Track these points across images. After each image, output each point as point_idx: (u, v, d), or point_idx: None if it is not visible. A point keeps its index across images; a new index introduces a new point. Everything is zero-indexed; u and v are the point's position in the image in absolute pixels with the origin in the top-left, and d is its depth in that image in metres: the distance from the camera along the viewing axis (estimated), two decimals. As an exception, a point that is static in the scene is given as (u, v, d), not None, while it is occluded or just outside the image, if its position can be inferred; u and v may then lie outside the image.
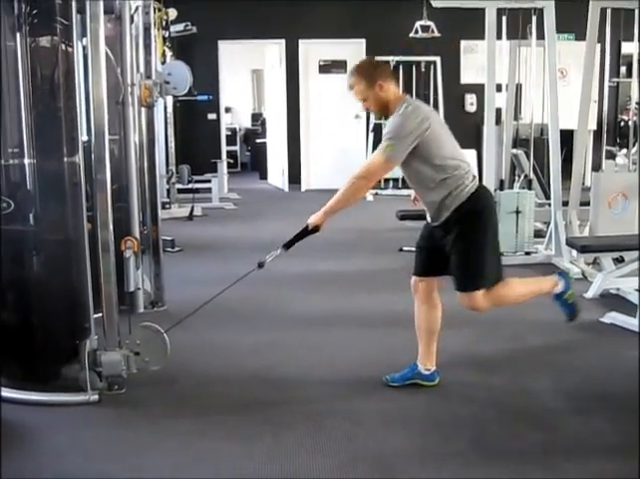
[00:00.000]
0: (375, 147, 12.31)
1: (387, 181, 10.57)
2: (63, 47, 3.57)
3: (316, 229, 3.41)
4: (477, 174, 3.49)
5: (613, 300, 5.11)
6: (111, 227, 3.51)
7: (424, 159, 3.32)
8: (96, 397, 3.48)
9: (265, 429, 3.23)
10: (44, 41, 3.55)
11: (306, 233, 3.43)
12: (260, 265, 3.46)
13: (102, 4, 3.42)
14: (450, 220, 3.39)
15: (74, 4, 3.51)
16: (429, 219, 3.52)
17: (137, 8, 4.84)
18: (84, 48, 3.61)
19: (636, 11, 6.08)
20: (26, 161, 3.53)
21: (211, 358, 4.13)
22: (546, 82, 6.29)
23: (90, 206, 3.64)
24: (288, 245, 3.44)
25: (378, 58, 11.23)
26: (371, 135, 10.83)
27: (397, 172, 3.47)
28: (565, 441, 3.11)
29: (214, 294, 3.65)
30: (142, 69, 4.88)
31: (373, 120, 10.86)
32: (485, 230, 3.44)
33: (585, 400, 3.54)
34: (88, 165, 3.61)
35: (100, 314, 3.59)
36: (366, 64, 3.51)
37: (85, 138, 3.80)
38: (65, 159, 3.63)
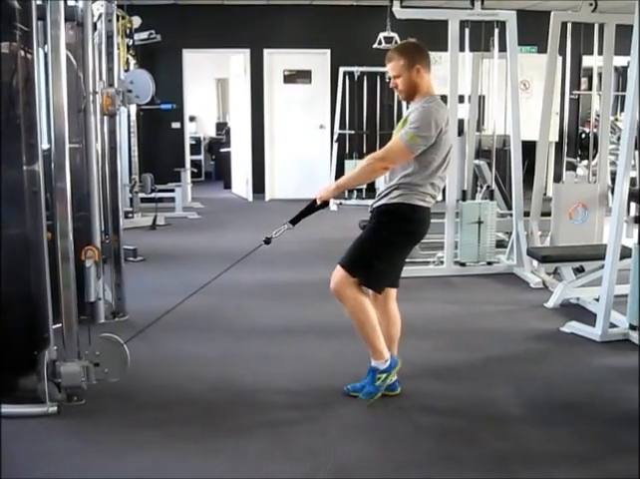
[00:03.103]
0: (339, 157, 12.24)
1: (351, 191, 10.60)
2: (22, 53, 3.53)
3: (325, 204, 3.35)
4: (439, 196, 3.48)
5: (573, 310, 5.17)
6: (71, 236, 3.46)
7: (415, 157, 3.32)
8: (54, 409, 3.43)
9: (226, 440, 3.20)
10: (3, 47, 3.51)
11: (314, 208, 3.34)
12: (267, 242, 3.39)
13: (63, 10, 3.38)
14: (378, 209, 3.43)
15: (34, 10, 3.46)
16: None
17: (99, 15, 4.81)
18: (45, 55, 3.57)
19: (596, 25, 6.19)
20: (-16, 168, 3.47)
21: (172, 369, 4.09)
22: (508, 94, 6.37)
23: (50, 214, 3.60)
24: (295, 221, 3.36)
25: (343, 69, 11.19)
26: (335, 145, 10.86)
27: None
28: (526, 450, 3.13)
29: (180, 301, 3.64)
30: (104, 77, 4.84)
31: (337, 130, 10.91)
32: (399, 236, 3.44)
33: (546, 409, 3.58)
34: (48, 173, 3.55)
35: (59, 325, 3.53)
36: (413, 46, 3.48)
37: (45, 146, 3.75)
38: (24, 167, 3.58)
